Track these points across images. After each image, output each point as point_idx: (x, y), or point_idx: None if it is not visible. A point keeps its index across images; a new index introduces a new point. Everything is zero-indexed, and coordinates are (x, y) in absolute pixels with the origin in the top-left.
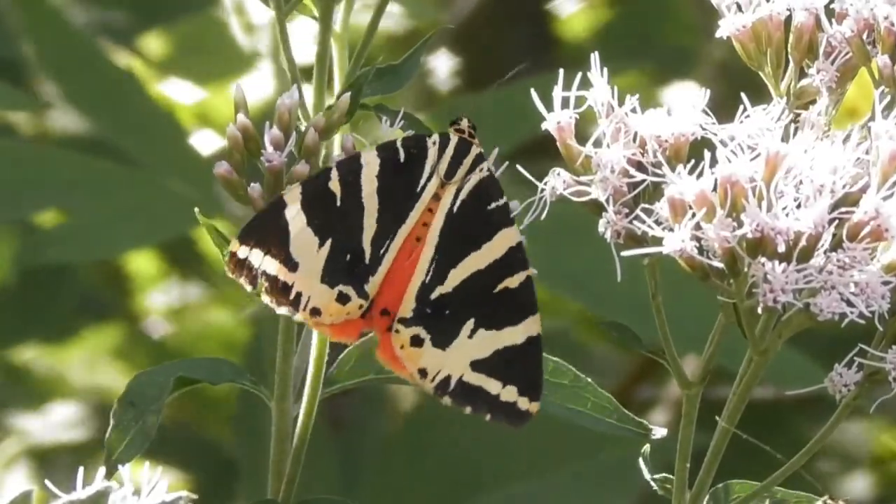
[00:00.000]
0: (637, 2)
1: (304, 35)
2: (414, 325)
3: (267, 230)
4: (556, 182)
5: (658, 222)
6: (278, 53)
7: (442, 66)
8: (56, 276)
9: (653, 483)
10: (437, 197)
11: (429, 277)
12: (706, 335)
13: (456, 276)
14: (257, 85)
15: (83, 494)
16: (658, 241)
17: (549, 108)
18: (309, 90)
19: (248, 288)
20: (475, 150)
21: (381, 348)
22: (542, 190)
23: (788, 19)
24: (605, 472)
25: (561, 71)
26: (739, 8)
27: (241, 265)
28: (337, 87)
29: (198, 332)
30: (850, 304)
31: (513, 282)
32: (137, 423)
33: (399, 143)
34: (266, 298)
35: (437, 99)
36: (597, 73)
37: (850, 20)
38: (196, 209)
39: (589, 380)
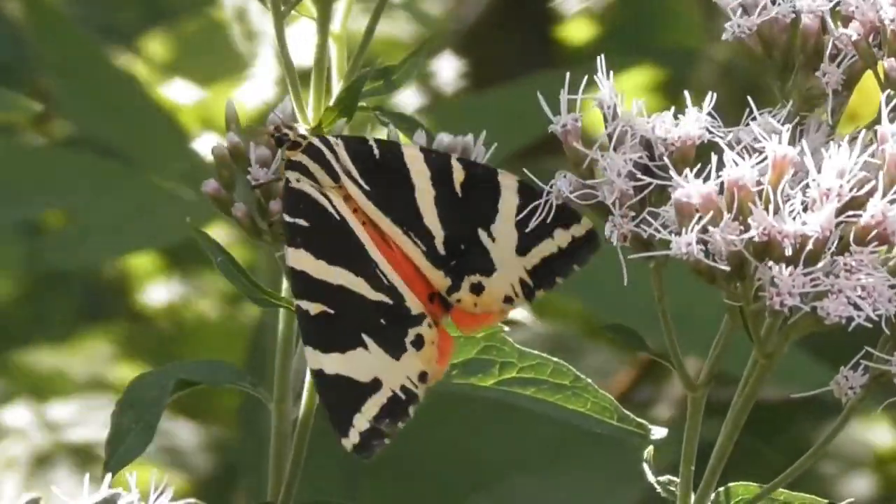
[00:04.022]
0: (641, 3)
1: (305, 38)
2: (459, 282)
3: (341, 398)
4: (562, 184)
5: (664, 226)
6: (279, 56)
7: (448, 68)
8: (58, 277)
9: (656, 485)
10: (347, 198)
11: (420, 243)
12: (710, 338)
13: (431, 220)
14: (260, 88)
15: (90, 501)
16: (664, 245)
17: (554, 109)
18: (308, 93)
19: (388, 440)
20: (320, 144)
21: (460, 325)
22: (548, 192)
23: (794, 22)
24: (608, 469)
25: (567, 74)
26: (745, 10)
27: (367, 442)
28: (336, 89)
29: (200, 332)
30: (857, 307)
31: (458, 175)
32: (137, 426)
33: (288, 219)
34: (402, 423)
35: (443, 101)
36: (602, 76)
37: (856, 23)
38: (188, 218)
39: (589, 380)
